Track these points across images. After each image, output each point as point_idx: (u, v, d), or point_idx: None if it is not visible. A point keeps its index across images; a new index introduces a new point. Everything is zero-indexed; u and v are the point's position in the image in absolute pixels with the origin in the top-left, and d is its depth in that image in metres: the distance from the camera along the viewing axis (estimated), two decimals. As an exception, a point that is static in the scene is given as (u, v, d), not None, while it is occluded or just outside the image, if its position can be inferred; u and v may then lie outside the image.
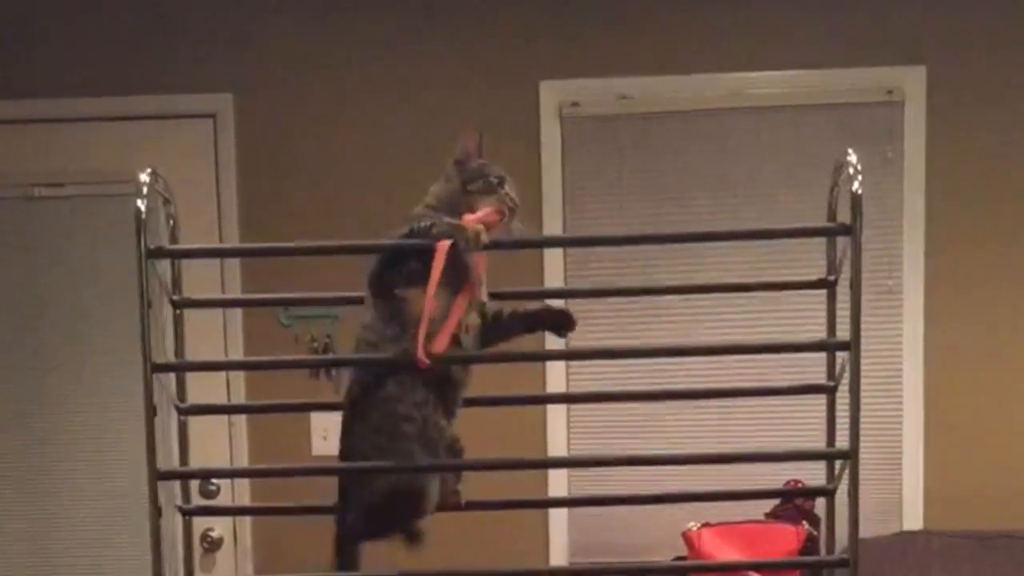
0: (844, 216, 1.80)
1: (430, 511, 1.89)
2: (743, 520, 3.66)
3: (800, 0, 3.95)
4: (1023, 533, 3.70)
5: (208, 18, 4.06)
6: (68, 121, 4.05)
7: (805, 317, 3.27)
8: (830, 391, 1.92)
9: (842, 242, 1.83)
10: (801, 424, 3.28)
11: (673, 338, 3.76)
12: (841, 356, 1.86)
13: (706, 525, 3.66)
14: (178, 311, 1.92)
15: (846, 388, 1.81)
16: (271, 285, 3.72)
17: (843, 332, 1.81)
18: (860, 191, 1.73)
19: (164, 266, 1.88)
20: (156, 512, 1.79)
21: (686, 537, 3.68)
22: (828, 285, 1.90)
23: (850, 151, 1.78)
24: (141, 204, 1.71)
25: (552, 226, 3.94)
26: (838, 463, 1.90)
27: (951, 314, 3.95)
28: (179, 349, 1.95)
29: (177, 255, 1.89)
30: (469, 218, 1.85)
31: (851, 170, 1.75)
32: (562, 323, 1.95)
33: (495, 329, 1.92)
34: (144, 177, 1.74)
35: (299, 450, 4.03)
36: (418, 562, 4.01)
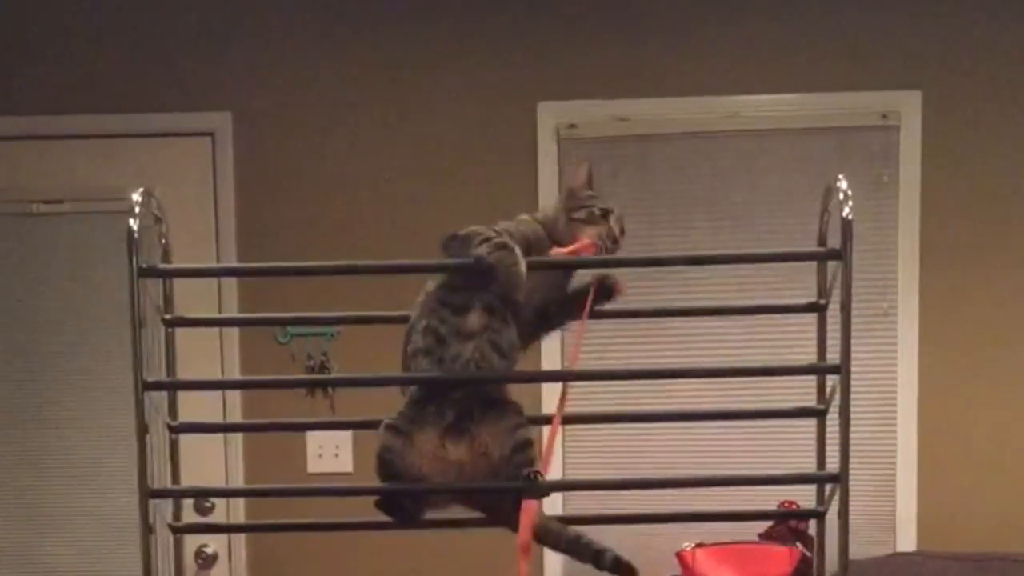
0: (835, 240, 1.81)
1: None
2: (737, 541, 3.67)
3: (796, 24, 3.97)
4: (1017, 555, 3.71)
5: (207, 37, 4.08)
6: (67, 138, 4.07)
7: (802, 338, 3.29)
8: (820, 415, 1.92)
9: (833, 266, 1.84)
10: (796, 443, 3.28)
11: (667, 358, 3.77)
12: (832, 379, 1.87)
13: (700, 545, 3.66)
14: (170, 330, 1.93)
15: (837, 411, 1.82)
16: (268, 302, 3.74)
17: (835, 355, 1.82)
18: (850, 216, 1.74)
19: (158, 284, 1.89)
20: (147, 530, 1.79)
21: (680, 557, 3.68)
22: (818, 309, 1.91)
23: (840, 177, 1.78)
24: (133, 223, 1.72)
25: (548, 247, 3.95)
26: (828, 486, 1.90)
27: (946, 337, 3.96)
28: (171, 367, 1.95)
29: (168, 274, 1.89)
30: (558, 250, 1.84)
31: (841, 195, 1.76)
32: (608, 294, 1.91)
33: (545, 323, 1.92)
34: (136, 196, 1.75)
35: (294, 466, 4.05)
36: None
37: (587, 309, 1.86)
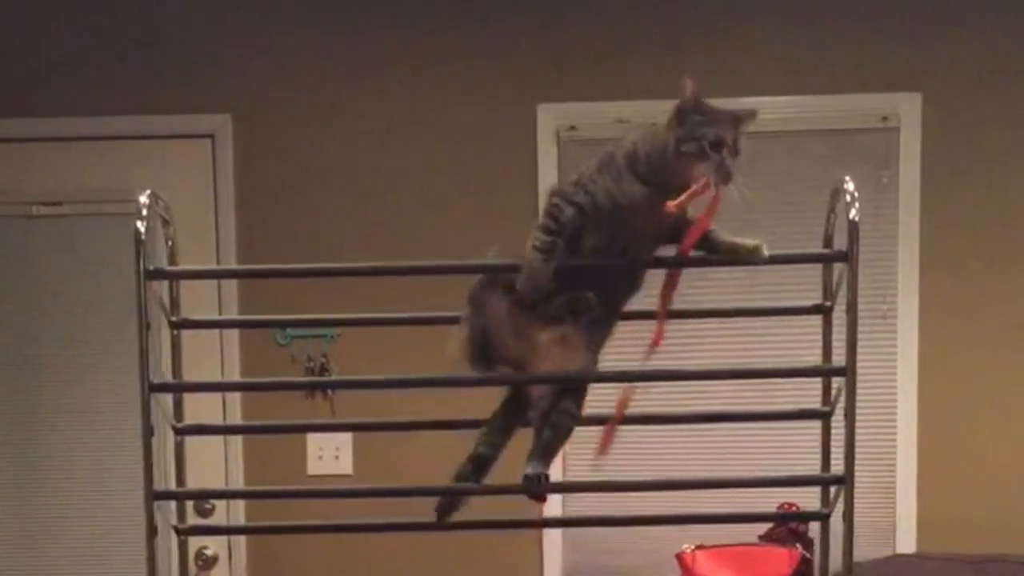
0: (840, 242, 1.81)
1: None
2: (737, 543, 3.67)
3: (796, 27, 3.97)
4: (1016, 557, 3.70)
5: (207, 39, 4.07)
6: (67, 140, 4.05)
7: (807, 340, 3.29)
8: (825, 416, 1.92)
9: (838, 268, 1.84)
10: (799, 446, 3.27)
11: (670, 360, 3.75)
12: (837, 382, 1.87)
13: (700, 547, 3.66)
14: (176, 332, 1.93)
15: (842, 413, 1.82)
16: (268, 304, 3.74)
17: (840, 357, 1.82)
18: (857, 218, 1.74)
19: (162, 286, 1.89)
20: (152, 531, 1.78)
21: (680, 559, 3.68)
22: (824, 311, 1.91)
23: (847, 179, 1.79)
24: (141, 225, 1.72)
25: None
26: (833, 488, 1.90)
27: (946, 339, 3.96)
28: (176, 369, 1.95)
29: (176, 276, 1.89)
30: (671, 204, 1.71)
31: (848, 197, 1.76)
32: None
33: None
34: (144, 199, 1.75)
35: (294, 468, 4.04)
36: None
37: (667, 302, 1.88)
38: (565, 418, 1.85)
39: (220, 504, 4.05)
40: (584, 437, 4.04)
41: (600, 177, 1.80)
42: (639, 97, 3.95)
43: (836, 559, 1.90)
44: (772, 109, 3.97)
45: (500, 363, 1.87)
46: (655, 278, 1.91)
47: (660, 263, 1.86)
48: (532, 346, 1.83)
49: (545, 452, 1.83)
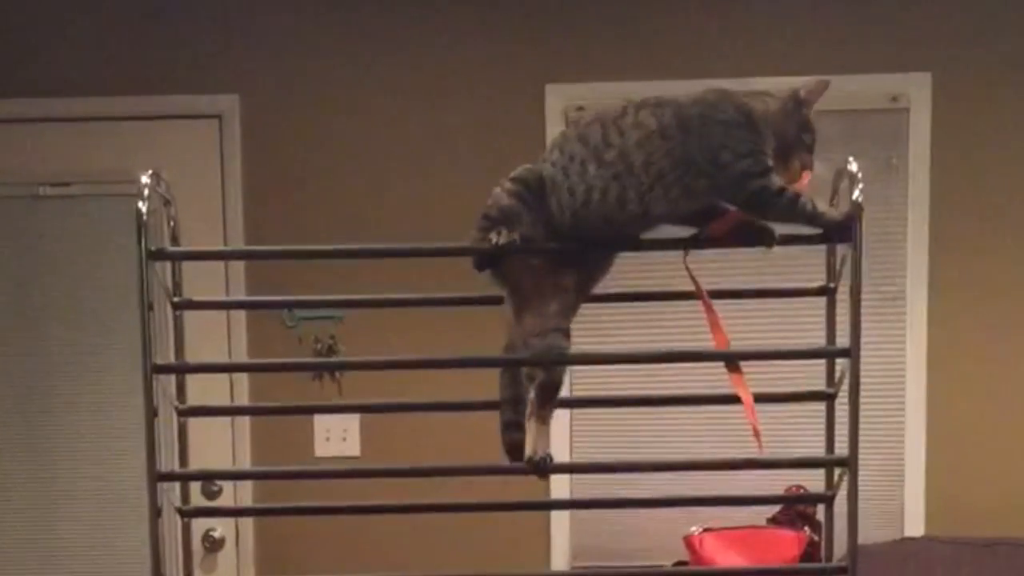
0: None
1: None
2: (745, 525, 3.66)
3: (806, 6, 3.95)
4: (1025, 540, 3.71)
5: (215, 19, 4.06)
6: (74, 121, 4.05)
7: (811, 322, 3.28)
8: (829, 398, 1.92)
9: (842, 250, 1.83)
10: (806, 428, 3.27)
11: (674, 342, 3.75)
12: (841, 363, 1.87)
13: (708, 530, 3.66)
14: (178, 313, 1.92)
15: (846, 395, 1.82)
16: (274, 286, 3.72)
17: (844, 339, 1.82)
18: (860, 199, 1.73)
19: (166, 267, 1.89)
20: (155, 513, 1.79)
21: (688, 542, 3.68)
22: (828, 292, 1.90)
23: (851, 159, 1.78)
24: (142, 206, 1.72)
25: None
26: (837, 470, 1.90)
27: (954, 321, 3.95)
28: (179, 350, 1.95)
29: (177, 257, 1.89)
30: (804, 183, 1.80)
31: (851, 178, 1.76)
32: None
33: None
34: (145, 179, 1.74)
35: (302, 450, 4.05)
36: (417, 564, 4.01)
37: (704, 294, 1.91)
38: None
39: (228, 488, 4.05)
40: (592, 419, 4.02)
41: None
42: (647, 77, 3.94)
43: (842, 542, 1.90)
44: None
45: (498, 278, 1.88)
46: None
47: (666, 244, 1.86)
48: (537, 281, 1.86)
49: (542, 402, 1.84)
